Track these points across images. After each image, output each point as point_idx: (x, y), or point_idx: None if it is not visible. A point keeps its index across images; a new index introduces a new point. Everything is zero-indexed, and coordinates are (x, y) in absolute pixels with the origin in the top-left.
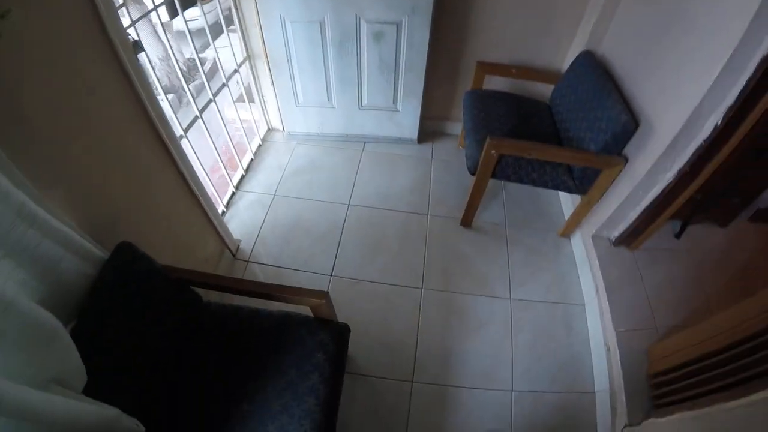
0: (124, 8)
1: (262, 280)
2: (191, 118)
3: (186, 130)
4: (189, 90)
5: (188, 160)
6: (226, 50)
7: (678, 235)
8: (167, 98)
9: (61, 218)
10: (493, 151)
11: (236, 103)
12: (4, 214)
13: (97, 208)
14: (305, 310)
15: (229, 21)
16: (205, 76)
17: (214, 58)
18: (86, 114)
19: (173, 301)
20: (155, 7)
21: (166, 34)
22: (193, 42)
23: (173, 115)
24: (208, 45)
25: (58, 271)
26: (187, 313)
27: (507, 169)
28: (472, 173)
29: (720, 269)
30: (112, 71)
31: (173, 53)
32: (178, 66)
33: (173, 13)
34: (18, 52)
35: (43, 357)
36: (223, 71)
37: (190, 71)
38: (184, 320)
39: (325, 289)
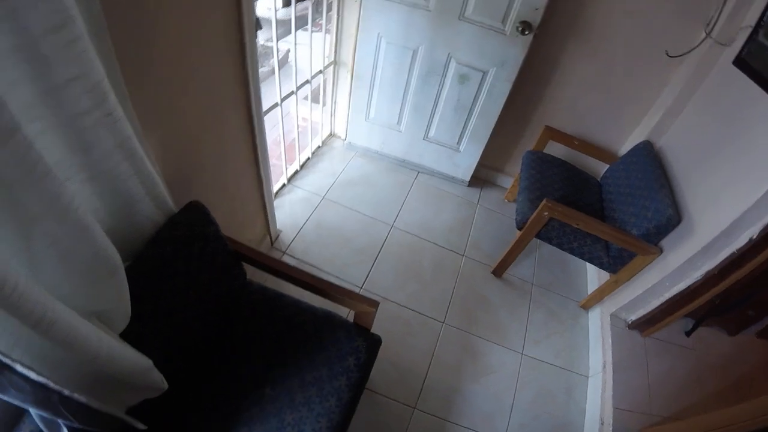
0: None
1: None
2: (270, 103)
3: (266, 113)
4: (278, 75)
5: (266, 139)
6: (305, 48)
7: (688, 333)
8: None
9: (152, 161)
10: (546, 213)
11: (304, 101)
12: (107, 140)
13: (179, 162)
14: (339, 310)
15: (317, 20)
16: (278, 65)
17: (287, 51)
18: (199, 71)
19: (226, 271)
20: None
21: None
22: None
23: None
24: (285, 37)
25: (133, 210)
26: (233, 287)
27: (551, 232)
28: (519, 228)
29: (720, 376)
30: (233, 40)
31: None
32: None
33: (287, 2)
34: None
35: (99, 290)
36: (296, 68)
37: (263, 57)
38: (229, 293)
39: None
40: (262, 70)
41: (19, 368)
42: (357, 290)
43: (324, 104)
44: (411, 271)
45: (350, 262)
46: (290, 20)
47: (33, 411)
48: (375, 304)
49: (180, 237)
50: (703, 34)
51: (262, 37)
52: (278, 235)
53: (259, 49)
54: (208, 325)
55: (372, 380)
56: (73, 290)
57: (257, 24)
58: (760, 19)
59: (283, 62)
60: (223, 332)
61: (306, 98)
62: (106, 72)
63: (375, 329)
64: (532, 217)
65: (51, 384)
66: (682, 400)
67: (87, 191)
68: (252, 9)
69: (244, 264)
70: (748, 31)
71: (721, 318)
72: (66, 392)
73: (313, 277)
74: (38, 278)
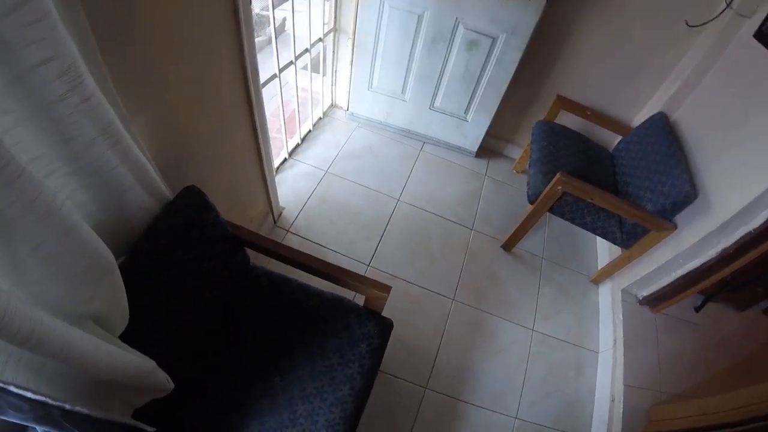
0: None
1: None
2: (268, 74)
3: (264, 84)
4: (275, 44)
5: (264, 112)
6: (302, 16)
7: (698, 309)
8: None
9: (140, 146)
10: (560, 187)
11: (303, 70)
12: (87, 128)
13: (173, 144)
14: (348, 294)
15: None
16: (275, 33)
17: (284, 19)
18: (191, 42)
19: (228, 258)
20: None
21: None
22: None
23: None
24: (281, 5)
25: (123, 201)
26: (236, 273)
27: (564, 207)
28: (531, 202)
29: (728, 350)
30: (226, 7)
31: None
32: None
33: None
34: None
35: (92, 292)
36: (294, 36)
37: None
38: (231, 280)
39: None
40: (259, 40)
41: (14, 389)
42: (365, 268)
43: (324, 74)
44: (419, 247)
45: (356, 238)
46: None
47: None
48: (387, 288)
49: (177, 225)
50: (724, 5)
51: (257, 6)
52: (281, 212)
53: (255, 18)
54: (212, 316)
55: (383, 361)
56: (63, 295)
57: None
58: None
59: (280, 31)
60: (228, 322)
61: (305, 68)
62: (81, 51)
63: (384, 308)
64: (546, 191)
65: (50, 401)
66: (691, 378)
67: (71, 185)
68: None
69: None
70: None
71: (730, 295)
72: (67, 407)
73: (321, 261)
74: (24, 287)
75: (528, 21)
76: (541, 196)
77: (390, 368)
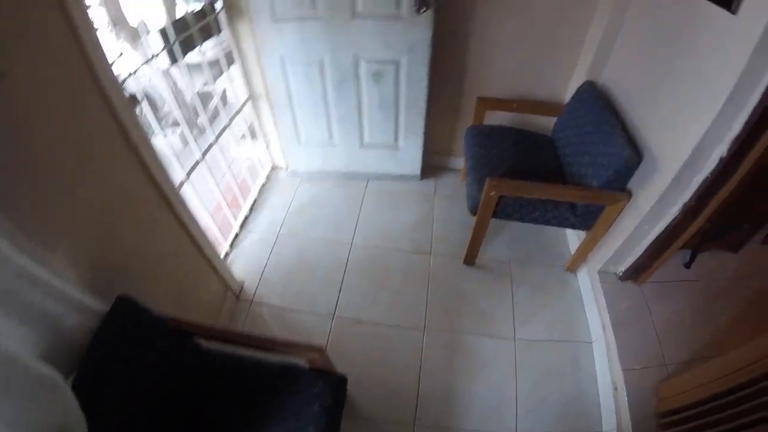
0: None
1: (267, 321)
2: (197, 156)
3: (190, 172)
4: (192, 134)
5: (188, 207)
6: (230, 86)
7: (688, 265)
8: (172, 134)
9: (62, 275)
10: (493, 193)
11: (241, 140)
12: (2, 276)
13: (98, 259)
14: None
15: (230, 60)
16: (208, 117)
17: (221, 92)
18: (88, 164)
19: (173, 351)
20: (150, 59)
21: (169, 81)
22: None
23: (175, 160)
24: (214, 79)
25: (60, 327)
26: (187, 362)
27: (508, 209)
28: (473, 213)
29: (733, 297)
30: (109, 124)
31: (175, 97)
32: (178, 105)
33: (173, 60)
34: (16, 109)
35: (45, 409)
36: (223, 109)
37: (199, 106)
38: (183, 370)
39: (326, 334)
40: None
41: None
42: (329, 321)
43: (256, 138)
44: (380, 284)
45: (317, 292)
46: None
47: None
48: (317, 349)
49: (114, 335)
50: None
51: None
52: (242, 286)
53: (193, 103)
54: (169, 407)
55: (365, 408)
56: (17, 417)
57: (133, 99)
58: None
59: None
60: (186, 411)
61: (244, 137)
62: None
63: (355, 353)
64: (481, 199)
65: None
66: (697, 340)
67: (8, 325)
68: (114, 84)
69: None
70: None
71: (719, 241)
72: None
73: (250, 336)
74: None
75: (423, 36)
76: (480, 204)
77: (374, 414)
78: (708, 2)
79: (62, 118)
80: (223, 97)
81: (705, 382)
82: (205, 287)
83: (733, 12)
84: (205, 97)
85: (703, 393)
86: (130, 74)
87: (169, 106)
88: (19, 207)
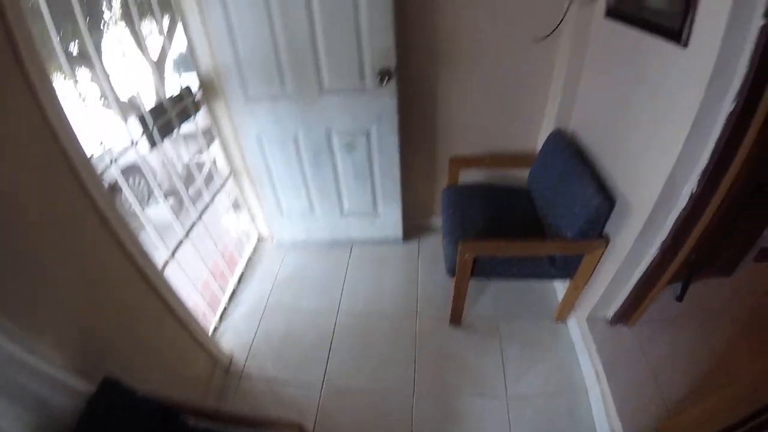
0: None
1: (256, 395)
2: (180, 235)
3: (174, 251)
4: (175, 216)
5: (173, 289)
6: (210, 163)
7: (680, 298)
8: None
9: (49, 358)
10: (467, 255)
11: (227, 214)
12: None
13: (84, 343)
14: None
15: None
16: (188, 196)
17: (205, 168)
18: (71, 249)
19: (159, 429)
20: (130, 146)
21: (147, 165)
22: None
23: (159, 241)
24: (200, 152)
25: (49, 408)
26: None
27: (486, 268)
28: (452, 276)
29: (731, 321)
30: (91, 213)
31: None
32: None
33: (153, 143)
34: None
35: None
36: (205, 189)
37: (181, 187)
38: None
39: (315, 405)
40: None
41: None
42: (318, 392)
43: (240, 210)
44: (367, 351)
45: (304, 363)
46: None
47: None
48: (294, 425)
49: (100, 416)
50: (567, 1)
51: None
52: (231, 360)
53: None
54: None
55: None
56: None
57: (113, 189)
58: None
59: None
60: None
61: (228, 210)
62: None
63: (345, 423)
64: (458, 262)
65: None
66: (693, 372)
67: (2, 404)
68: (98, 185)
69: None
70: None
71: (709, 268)
72: None
73: (231, 415)
74: None
75: (388, 105)
76: (456, 267)
77: None
78: (658, 39)
79: (50, 216)
80: (208, 176)
81: (711, 416)
82: (193, 363)
83: (684, 45)
84: (190, 172)
85: (710, 429)
86: (112, 161)
87: (153, 183)
88: (9, 300)
